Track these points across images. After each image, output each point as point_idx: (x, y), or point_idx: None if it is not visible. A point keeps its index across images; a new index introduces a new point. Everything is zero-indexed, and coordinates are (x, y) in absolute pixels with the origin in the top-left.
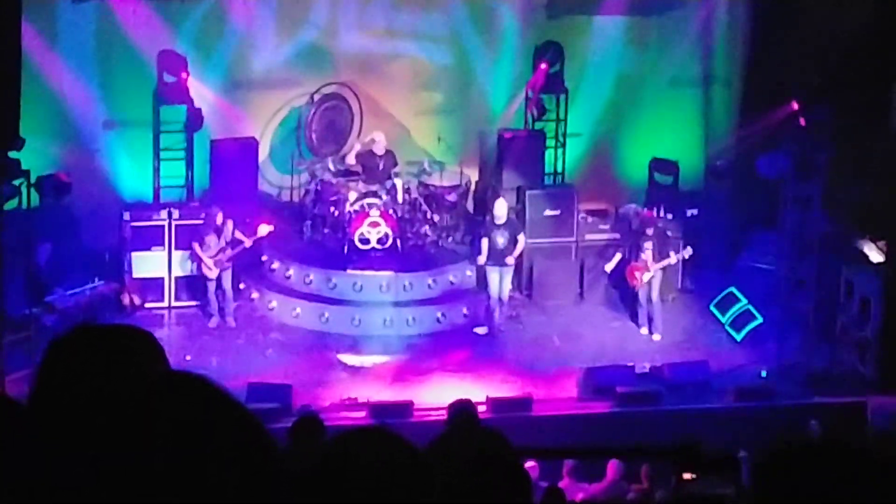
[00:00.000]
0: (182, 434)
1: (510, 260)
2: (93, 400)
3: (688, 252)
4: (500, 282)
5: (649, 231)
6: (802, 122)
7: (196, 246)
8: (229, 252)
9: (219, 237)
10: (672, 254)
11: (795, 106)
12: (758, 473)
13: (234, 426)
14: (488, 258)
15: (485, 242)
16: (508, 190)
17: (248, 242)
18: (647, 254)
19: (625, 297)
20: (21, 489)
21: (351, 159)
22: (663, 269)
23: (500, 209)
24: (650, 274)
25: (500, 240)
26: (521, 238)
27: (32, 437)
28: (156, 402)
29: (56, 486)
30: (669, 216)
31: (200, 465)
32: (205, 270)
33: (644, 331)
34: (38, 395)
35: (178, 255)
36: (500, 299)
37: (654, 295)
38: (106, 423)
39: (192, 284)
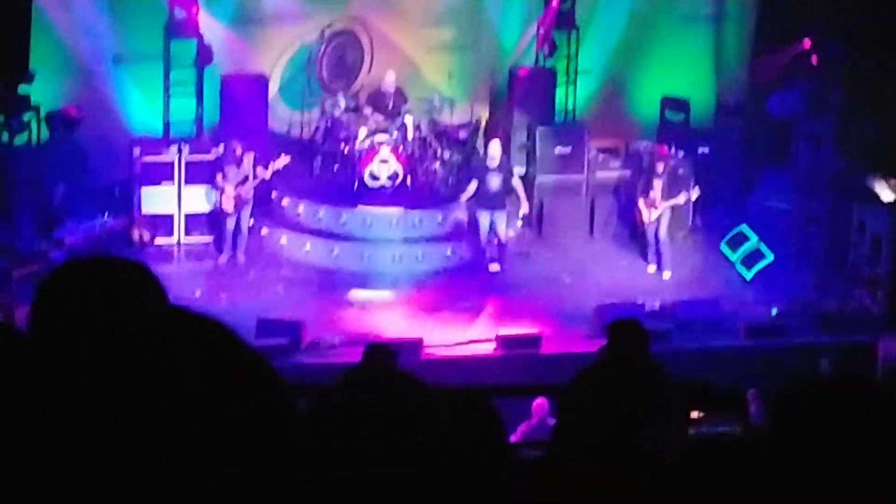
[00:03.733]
0: (190, 373)
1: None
2: (92, 335)
3: (696, 192)
4: (494, 225)
5: (660, 168)
6: (815, 59)
7: (219, 177)
8: (248, 184)
9: (238, 169)
10: (682, 193)
11: (808, 44)
12: (772, 411)
13: (244, 364)
14: (479, 202)
15: (473, 184)
16: (519, 127)
17: (266, 174)
18: (657, 191)
19: (635, 234)
20: (20, 422)
21: (361, 96)
22: (672, 207)
23: (494, 150)
24: (658, 212)
25: (494, 182)
26: (517, 184)
27: (33, 370)
28: (162, 339)
29: (55, 421)
30: (680, 154)
31: (211, 403)
32: (224, 203)
33: (652, 268)
34: (35, 332)
35: (187, 190)
36: (498, 242)
37: (663, 232)
38: (109, 359)
39: (202, 220)
